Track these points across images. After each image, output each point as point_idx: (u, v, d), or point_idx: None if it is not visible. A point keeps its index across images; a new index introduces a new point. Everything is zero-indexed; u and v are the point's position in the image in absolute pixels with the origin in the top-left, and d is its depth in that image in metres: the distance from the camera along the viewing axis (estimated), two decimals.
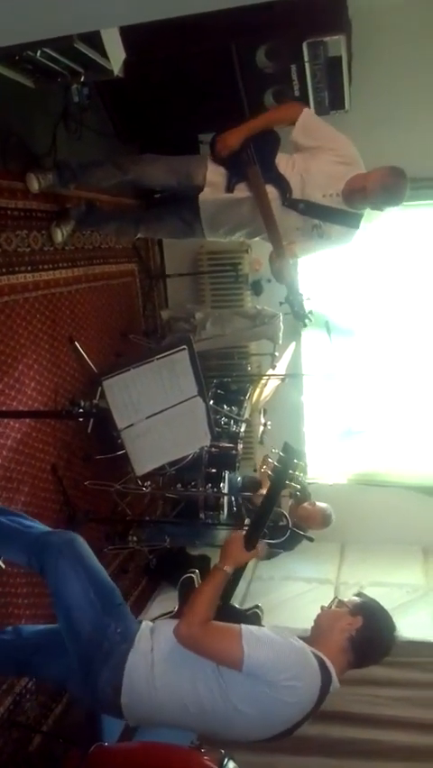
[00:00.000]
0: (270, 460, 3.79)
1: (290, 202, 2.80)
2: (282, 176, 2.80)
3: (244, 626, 1.79)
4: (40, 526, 2.23)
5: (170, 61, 3.55)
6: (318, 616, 1.99)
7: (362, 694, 3.30)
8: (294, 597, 4.14)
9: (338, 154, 2.80)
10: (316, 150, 2.80)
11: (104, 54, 2.78)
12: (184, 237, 3.26)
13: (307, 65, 3.45)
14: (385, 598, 2.01)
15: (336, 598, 2.04)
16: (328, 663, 1.82)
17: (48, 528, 2.25)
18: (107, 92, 3.74)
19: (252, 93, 3.64)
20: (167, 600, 3.83)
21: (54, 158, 3.13)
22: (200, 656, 1.80)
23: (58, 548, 2.04)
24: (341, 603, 1.98)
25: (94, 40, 2.69)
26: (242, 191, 2.85)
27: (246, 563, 2.05)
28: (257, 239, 3.13)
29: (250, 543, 1.90)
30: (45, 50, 2.64)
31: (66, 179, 3.07)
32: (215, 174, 2.88)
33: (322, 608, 2.01)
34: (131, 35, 2.83)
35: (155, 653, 1.87)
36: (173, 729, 2.54)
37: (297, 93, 3.58)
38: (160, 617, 2.44)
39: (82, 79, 2.95)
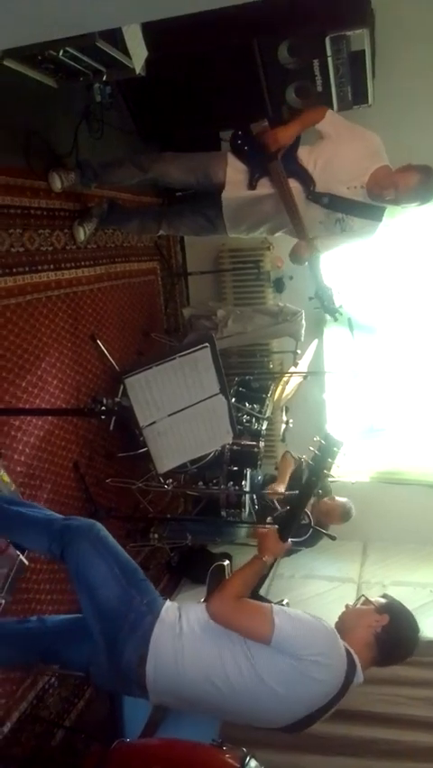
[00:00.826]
0: (289, 455, 3.78)
1: (313, 195, 2.78)
2: (305, 169, 2.77)
3: (275, 605, 1.84)
4: (59, 515, 2.25)
5: (192, 59, 3.54)
6: (344, 613, 2.01)
7: (384, 693, 3.28)
8: (316, 596, 4.12)
9: (363, 145, 2.79)
10: (341, 140, 2.78)
11: (126, 53, 2.78)
12: (206, 234, 3.25)
13: (329, 60, 3.42)
14: (408, 597, 2.03)
15: (362, 596, 2.05)
16: (354, 654, 1.85)
17: (67, 516, 2.27)
18: (129, 90, 3.75)
19: (274, 89, 3.62)
20: (189, 598, 3.83)
21: (76, 157, 3.16)
22: (231, 631, 1.83)
23: (79, 531, 2.07)
24: (367, 601, 2.00)
25: (116, 38, 2.70)
26: (264, 187, 2.83)
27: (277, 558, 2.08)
28: (279, 234, 3.12)
29: (285, 533, 1.97)
30: (67, 49, 2.65)
31: (88, 178, 3.09)
32: (235, 171, 2.87)
33: (347, 606, 2.03)
34: (152, 33, 2.83)
35: (183, 624, 1.90)
36: (195, 725, 2.56)
37: (319, 88, 3.55)
38: None
39: (104, 78, 2.96)
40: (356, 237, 2.91)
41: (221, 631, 1.85)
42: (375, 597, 2.03)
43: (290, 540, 3.20)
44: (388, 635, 1.90)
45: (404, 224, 4.14)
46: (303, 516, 3.16)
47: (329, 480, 4.04)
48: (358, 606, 2.01)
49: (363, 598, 2.03)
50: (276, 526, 2.00)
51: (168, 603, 2.00)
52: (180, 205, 3.31)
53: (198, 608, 1.97)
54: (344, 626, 1.95)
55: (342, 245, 2.98)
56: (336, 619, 2.00)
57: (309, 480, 1.98)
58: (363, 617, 1.95)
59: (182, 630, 1.88)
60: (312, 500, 3.63)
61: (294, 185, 2.77)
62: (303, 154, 2.80)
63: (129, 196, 3.77)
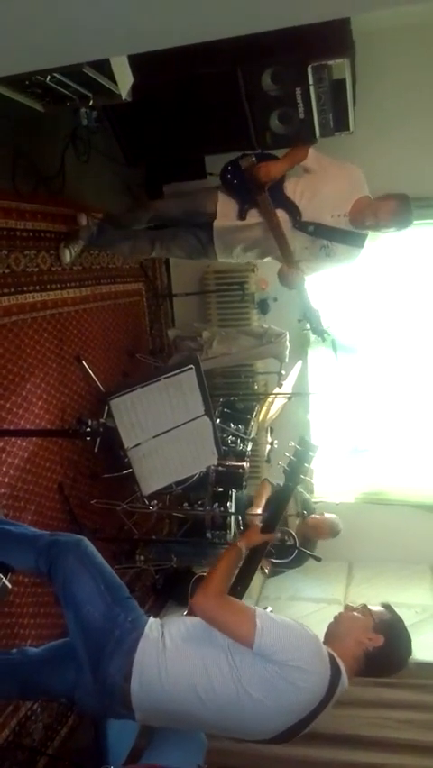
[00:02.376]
0: (267, 482, 3.78)
1: (300, 225, 2.92)
2: (292, 200, 2.93)
3: (258, 608, 1.82)
4: (46, 532, 2.25)
5: (177, 85, 3.60)
6: (341, 615, 1.98)
7: (371, 716, 3.26)
8: (302, 617, 4.10)
9: (346, 177, 2.97)
10: (325, 173, 2.98)
11: (112, 79, 2.82)
12: (197, 257, 3.37)
13: (311, 88, 3.49)
14: None
15: (364, 604, 1.99)
16: (339, 660, 1.82)
17: (54, 532, 2.27)
18: (115, 115, 3.79)
19: (257, 116, 3.69)
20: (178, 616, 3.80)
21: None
22: (213, 629, 1.83)
23: (67, 547, 2.06)
24: (367, 612, 1.94)
25: (103, 65, 2.74)
26: (253, 217, 2.98)
27: (263, 552, 2.08)
28: (267, 259, 3.24)
29: (266, 528, 2.01)
30: (55, 74, 2.69)
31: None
32: (225, 204, 3.04)
33: (347, 607, 1.99)
34: (138, 59, 2.87)
35: (166, 639, 1.89)
36: (181, 750, 2.52)
37: (302, 115, 3.62)
38: None
39: (91, 103, 3.00)
40: (339, 262, 3.05)
41: (203, 639, 1.85)
42: (377, 607, 1.97)
43: (274, 561, 3.22)
44: (379, 656, 1.87)
45: (387, 245, 4.21)
46: (289, 538, 3.17)
47: (313, 500, 4.07)
48: (356, 614, 1.95)
49: (362, 606, 1.97)
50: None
51: (151, 620, 2.00)
52: (174, 228, 3.39)
53: (179, 620, 1.97)
54: (336, 630, 1.92)
55: (326, 269, 3.12)
56: (331, 620, 1.97)
57: (287, 486, 2.01)
58: (358, 630, 1.89)
59: (165, 646, 1.87)
60: (297, 520, 3.66)
61: (281, 215, 2.93)
62: (289, 186, 2.97)
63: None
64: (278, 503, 2.07)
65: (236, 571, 1.98)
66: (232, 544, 2.04)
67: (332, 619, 1.98)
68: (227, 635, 1.81)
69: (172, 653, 1.85)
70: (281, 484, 3.62)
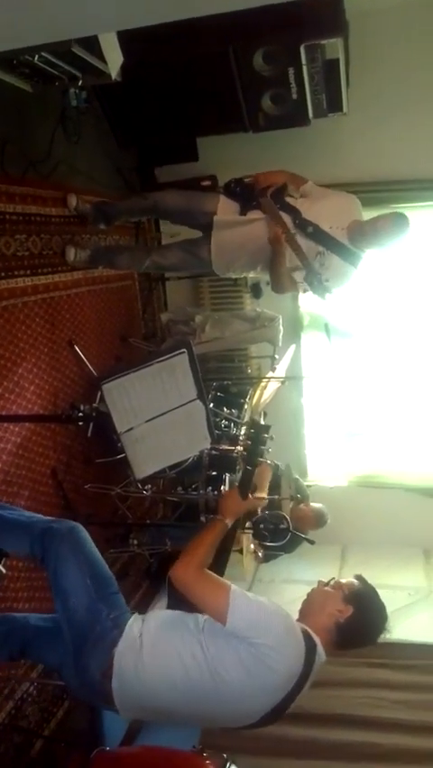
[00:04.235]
0: (265, 464, 3.77)
1: (300, 223, 2.89)
2: (292, 205, 2.94)
3: (234, 585, 1.82)
4: (42, 517, 2.25)
5: (168, 65, 3.56)
6: (313, 591, 2.01)
7: (363, 696, 3.30)
8: (296, 599, 4.11)
9: (344, 200, 3.03)
10: (324, 194, 3.03)
11: (102, 58, 2.79)
12: (191, 268, 3.41)
13: (304, 68, 3.46)
14: (387, 600, 2.01)
15: (333, 578, 2.02)
16: (313, 635, 1.85)
17: (50, 518, 2.26)
18: (105, 96, 3.75)
19: (250, 97, 3.65)
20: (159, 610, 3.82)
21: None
22: (186, 619, 1.87)
23: (60, 534, 2.06)
24: (338, 585, 1.98)
25: (92, 44, 2.70)
26: (255, 215, 2.98)
27: (240, 520, 2.09)
28: (258, 274, 3.28)
29: (243, 492, 2.02)
30: (43, 54, 2.65)
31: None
32: (227, 203, 3.06)
33: (319, 582, 2.02)
34: (128, 39, 2.83)
35: (144, 637, 1.89)
36: (176, 732, 2.55)
37: (294, 96, 3.58)
38: None
39: (80, 83, 2.97)
40: (332, 279, 2.95)
41: (176, 630, 1.87)
42: (348, 579, 2.00)
43: (267, 544, 3.24)
44: (349, 626, 1.89)
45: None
46: (282, 521, 3.18)
47: (306, 485, 4.08)
48: (327, 588, 1.98)
49: (333, 581, 2.00)
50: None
51: (134, 617, 1.99)
52: (169, 244, 3.48)
53: (157, 614, 1.99)
54: (309, 607, 1.95)
55: (316, 286, 2.99)
56: (305, 597, 1.99)
57: (246, 470, 2.05)
58: (328, 603, 1.92)
59: (143, 644, 1.87)
60: (291, 504, 3.67)
61: (283, 215, 2.91)
62: (289, 199, 2.98)
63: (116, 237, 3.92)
64: (243, 483, 2.08)
65: (215, 548, 1.97)
66: (215, 518, 2.02)
67: (305, 596, 2.00)
68: (202, 608, 1.83)
69: (149, 651, 1.85)
70: (280, 465, 3.67)
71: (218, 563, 2.03)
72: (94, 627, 1.91)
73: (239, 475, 3.63)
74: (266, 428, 2.02)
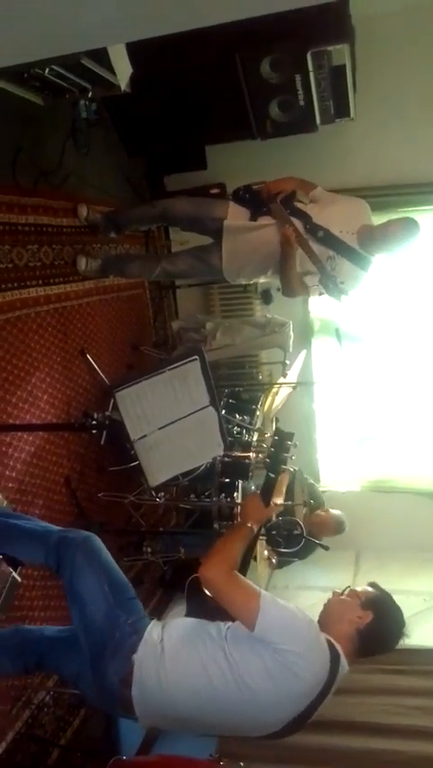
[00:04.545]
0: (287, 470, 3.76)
1: (311, 227, 2.90)
2: (302, 210, 2.94)
3: (264, 590, 1.81)
4: (56, 527, 2.25)
5: (176, 75, 3.58)
6: (329, 601, 2.00)
7: (381, 703, 3.27)
8: (310, 606, 4.08)
9: (354, 204, 3.03)
10: (334, 199, 3.03)
11: (111, 70, 2.81)
12: (202, 276, 3.46)
13: (311, 74, 3.47)
14: (402, 605, 2.00)
15: (348, 587, 2.02)
16: (336, 644, 1.83)
17: (64, 528, 2.27)
18: (114, 107, 3.78)
19: (257, 104, 3.67)
20: (182, 612, 3.81)
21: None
22: (209, 627, 1.85)
23: (75, 544, 2.06)
24: (353, 593, 1.97)
25: (101, 56, 2.73)
26: (265, 220, 2.98)
27: (256, 537, 2.07)
28: (269, 277, 3.23)
29: (266, 499, 1.99)
30: (53, 67, 2.68)
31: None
32: (236, 209, 3.06)
33: (334, 593, 2.01)
34: (137, 50, 2.86)
35: (165, 643, 1.88)
36: (192, 741, 2.54)
37: (302, 102, 3.60)
38: None
39: (90, 95, 3.00)
40: (343, 284, 2.95)
41: (199, 638, 1.85)
42: (362, 587, 1.99)
43: (282, 550, 3.22)
44: (370, 632, 1.88)
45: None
46: (296, 527, 3.17)
47: (321, 490, 4.06)
48: (343, 597, 1.97)
49: (348, 590, 2.00)
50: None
51: (153, 623, 1.98)
52: (179, 250, 3.49)
53: (177, 622, 1.97)
54: (327, 617, 1.94)
55: (329, 290, 3.00)
56: (321, 608, 1.98)
57: (268, 477, 2.01)
58: (347, 611, 1.92)
59: (164, 650, 1.86)
60: (305, 510, 3.66)
61: (294, 220, 2.90)
62: (299, 205, 2.97)
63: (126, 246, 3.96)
64: (266, 490, 2.05)
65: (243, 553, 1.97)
66: (241, 523, 2.01)
67: (321, 607, 1.99)
68: (231, 611, 1.81)
69: (171, 658, 1.84)
70: (297, 470, 3.64)
71: (240, 572, 2.01)
72: (113, 634, 1.91)
73: (252, 482, 3.64)
74: (290, 435, 2.00)
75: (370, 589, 1.99)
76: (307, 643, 1.75)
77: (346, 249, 2.90)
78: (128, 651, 1.88)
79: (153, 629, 1.94)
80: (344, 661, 1.82)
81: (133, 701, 1.86)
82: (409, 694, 3.32)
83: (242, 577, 1.85)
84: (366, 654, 1.93)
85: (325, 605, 1.99)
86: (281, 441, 1.99)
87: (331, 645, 1.81)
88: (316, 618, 1.92)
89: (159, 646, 1.87)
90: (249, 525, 1.96)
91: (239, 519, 2.02)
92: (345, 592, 2.00)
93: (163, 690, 1.83)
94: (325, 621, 1.93)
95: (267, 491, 2.00)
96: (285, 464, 2.05)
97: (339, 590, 2.02)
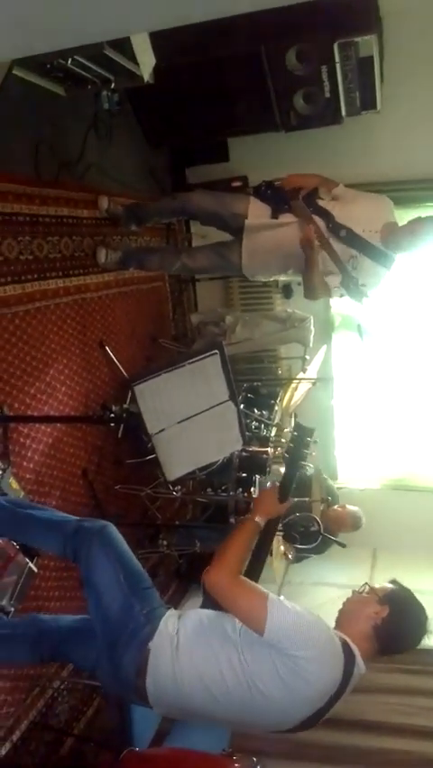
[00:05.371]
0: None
1: (334, 226, 2.86)
2: (324, 208, 2.90)
3: (272, 594, 1.76)
4: (73, 517, 2.25)
5: (200, 66, 3.55)
6: (348, 599, 1.96)
7: (397, 704, 3.25)
8: (326, 602, 4.06)
9: (377, 202, 2.98)
10: (356, 197, 2.98)
11: (134, 60, 2.79)
12: (221, 272, 3.43)
13: (338, 66, 3.42)
14: None
15: (366, 583, 1.97)
16: (352, 646, 1.79)
17: (81, 518, 2.27)
18: (137, 98, 3.76)
19: (282, 96, 3.63)
20: (197, 604, 3.81)
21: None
22: (225, 623, 1.82)
23: (91, 533, 2.06)
24: (372, 590, 1.92)
25: (124, 46, 2.71)
26: (287, 218, 2.94)
27: (274, 532, 2.04)
28: (289, 277, 3.26)
29: (283, 495, 1.95)
30: (76, 57, 2.67)
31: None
32: (257, 206, 3.02)
33: (353, 592, 1.97)
34: (160, 41, 2.84)
35: (180, 635, 1.86)
36: (205, 734, 2.54)
37: (327, 94, 3.55)
38: None
39: (112, 86, 2.98)
40: (365, 282, 2.91)
41: (215, 634, 1.83)
42: (381, 583, 1.94)
43: (298, 546, 3.20)
44: (387, 627, 1.82)
45: None
46: (313, 523, 3.15)
47: (337, 487, 4.03)
48: (362, 595, 1.93)
49: (366, 587, 1.95)
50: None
51: (169, 613, 1.97)
52: (199, 245, 3.51)
53: (194, 614, 1.95)
54: (345, 615, 1.90)
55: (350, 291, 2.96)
56: (340, 606, 1.94)
57: (288, 472, 1.98)
58: (364, 607, 1.87)
59: (179, 642, 1.85)
60: (322, 506, 3.64)
61: (316, 219, 2.87)
62: (321, 202, 2.94)
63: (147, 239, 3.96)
64: (289, 469, 2.02)
65: (251, 550, 1.94)
66: (247, 518, 1.96)
67: (337, 604, 1.95)
68: (238, 617, 1.79)
69: (185, 652, 1.83)
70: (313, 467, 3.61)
71: (254, 570, 1.99)
72: (127, 624, 1.91)
73: (268, 477, 3.62)
74: (310, 431, 1.97)
75: (389, 585, 1.94)
76: (318, 647, 1.71)
77: (369, 248, 2.86)
78: (143, 641, 1.88)
79: (169, 619, 1.93)
80: (360, 662, 1.78)
81: (147, 691, 1.87)
82: (421, 694, 3.29)
83: (246, 581, 1.81)
84: (385, 653, 1.87)
85: (343, 603, 1.95)
86: (302, 436, 1.96)
87: (346, 647, 1.77)
88: (333, 617, 1.90)
89: (174, 638, 1.86)
90: (256, 519, 1.92)
91: (250, 512, 1.97)
92: (364, 590, 1.95)
93: (177, 682, 1.83)
94: (342, 619, 1.90)
95: (285, 487, 1.97)
96: (305, 460, 2.01)
97: (358, 589, 1.97)
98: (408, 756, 3.07)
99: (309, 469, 3.66)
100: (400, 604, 1.87)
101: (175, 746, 2.63)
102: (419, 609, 1.89)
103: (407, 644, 1.90)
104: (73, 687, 3.00)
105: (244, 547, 1.87)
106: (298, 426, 1.98)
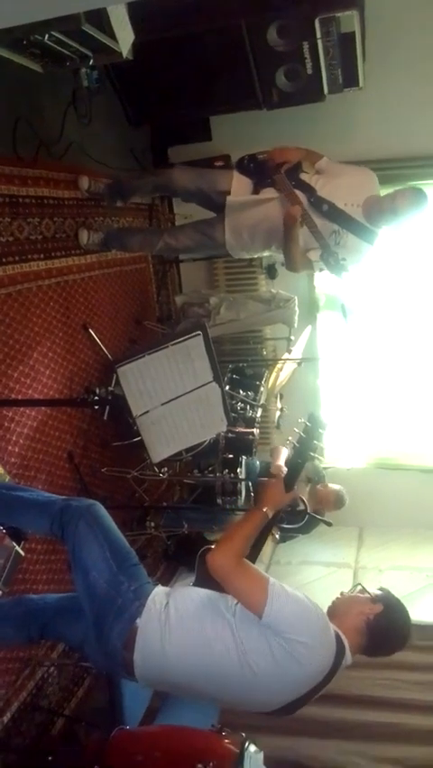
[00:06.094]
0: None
1: (315, 200, 2.84)
2: (306, 182, 2.88)
3: (272, 578, 1.81)
4: (59, 496, 2.26)
5: (180, 42, 3.50)
6: (337, 599, 2.01)
7: (382, 678, 3.30)
8: (313, 581, 4.14)
9: (359, 174, 2.96)
10: (339, 170, 2.96)
11: (112, 36, 2.74)
12: (205, 251, 3.40)
13: (319, 42, 3.38)
14: (405, 582, 2.03)
15: (358, 584, 2.05)
16: (343, 637, 1.85)
17: (68, 497, 2.28)
18: (117, 75, 3.70)
19: (263, 72, 3.59)
20: (188, 583, 3.84)
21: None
22: (219, 603, 1.86)
23: (79, 511, 2.07)
24: (363, 590, 2.00)
25: (102, 22, 2.65)
26: (268, 193, 2.92)
27: (276, 518, 2.05)
28: (272, 252, 3.21)
29: (289, 484, 1.96)
30: (53, 33, 2.60)
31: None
32: (240, 180, 3.00)
33: (342, 593, 2.03)
34: (139, 16, 2.78)
35: (170, 610, 1.89)
36: (195, 711, 2.58)
37: (309, 71, 3.51)
38: None
39: (91, 63, 2.92)
40: (347, 257, 2.88)
41: (208, 613, 1.86)
42: (372, 589, 2.02)
43: (284, 526, 3.22)
44: (380, 623, 1.90)
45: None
46: (299, 503, 3.17)
47: (323, 466, 4.06)
48: (354, 594, 2.00)
49: (359, 587, 2.02)
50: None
51: (157, 589, 2.00)
52: (182, 224, 3.46)
53: (186, 591, 1.98)
54: (336, 610, 1.95)
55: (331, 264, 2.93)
56: (330, 603, 1.99)
57: (295, 462, 1.98)
58: (357, 604, 1.95)
59: (169, 617, 1.87)
60: (307, 486, 3.66)
61: (298, 193, 2.85)
62: (304, 177, 2.92)
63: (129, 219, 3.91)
64: (290, 476, 2.02)
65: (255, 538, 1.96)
66: (255, 508, 1.99)
67: (334, 598, 2.01)
68: (238, 598, 1.82)
69: (176, 626, 1.86)
70: (289, 440, 3.62)
71: (252, 554, 2.00)
72: (115, 600, 1.92)
73: (255, 458, 3.64)
74: (324, 425, 1.97)
75: (379, 591, 2.01)
76: (314, 634, 1.77)
77: (352, 222, 2.84)
78: (131, 616, 1.89)
79: (157, 596, 1.95)
80: (348, 654, 1.84)
81: (135, 665, 1.89)
82: (408, 669, 3.35)
83: (251, 565, 1.86)
84: (370, 651, 1.94)
85: (333, 601, 2.01)
86: (315, 428, 1.95)
87: (338, 638, 1.83)
88: (320, 595, 1.93)
89: (163, 613, 1.89)
90: (265, 510, 1.94)
91: (255, 503, 1.98)
92: (356, 589, 2.02)
93: (166, 658, 1.85)
94: (334, 611, 1.95)
95: (292, 477, 1.98)
96: (314, 452, 2.02)
97: (347, 591, 2.04)
98: (395, 729, 3.13)
99: (318, 460, 3.68)
100: (392, 605, 1.95)
101: (165, 723, 2.67)
102: (406, 615, 1.98)
103: (393, 643, 1.98)
104: (63, 668, 3.02)
105: (249, 535, 1.90)
106: (312, 417, 1.96)
